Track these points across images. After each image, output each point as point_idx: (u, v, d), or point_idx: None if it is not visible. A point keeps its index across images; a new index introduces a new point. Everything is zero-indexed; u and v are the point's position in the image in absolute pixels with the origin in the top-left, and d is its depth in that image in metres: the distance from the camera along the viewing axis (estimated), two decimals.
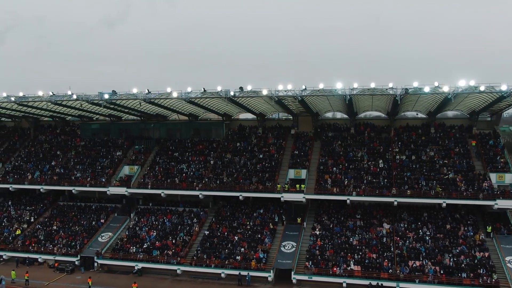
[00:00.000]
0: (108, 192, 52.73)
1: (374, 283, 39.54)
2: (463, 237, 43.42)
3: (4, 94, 50.85)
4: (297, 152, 53.17)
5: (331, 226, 47.36)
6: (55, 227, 52.85)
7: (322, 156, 52.14)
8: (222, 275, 43.19)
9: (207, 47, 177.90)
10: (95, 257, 47.03)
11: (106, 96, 46.58)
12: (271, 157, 53.31)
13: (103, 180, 54.06)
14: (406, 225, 46.06)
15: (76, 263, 47.20)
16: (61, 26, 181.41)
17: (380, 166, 49.29)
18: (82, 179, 54.70)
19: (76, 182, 54.47)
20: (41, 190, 55.20)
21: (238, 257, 44.20)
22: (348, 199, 46.04)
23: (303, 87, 41.66)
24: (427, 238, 43.86)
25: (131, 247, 47.48)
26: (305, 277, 41.46)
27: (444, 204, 43.95)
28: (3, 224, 54.55)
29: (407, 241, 43.78)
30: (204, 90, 44.24)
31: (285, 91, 42.32)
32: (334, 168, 49.91)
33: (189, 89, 44.48)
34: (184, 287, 42.70)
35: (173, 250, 46.23)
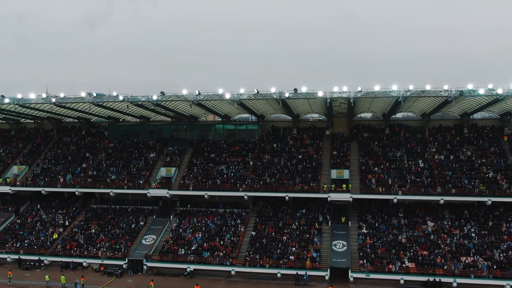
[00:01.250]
0: (148, 194, 52.25)
1: (431, 279, 40.75)
2: (507, 233, 45.20)
3: (44, 95, 49.94)
4: (335, 153, 54.04)
5: (376, 224, 48.41)
6: (93, 230, 51.98)
7: (362, 156, 53.19)
8: (278, 275, 43.57)
9: (191, 45, 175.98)
10: (144, 260, 46.57)
11: (155, 98, 46.26)
12: (310, 158, 54.01)
13: (141, 182, 53.51)
14: (449, 223, 47.57)
15: (124, 266, 46.61)
16: (41, 24, 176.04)
17: (421, 165, 50.70)
18: (118, 181, 53.98)
19: (112, 185, 53.71)
20: (76, 193, 54.13)
21: (292, 257, 44.68)
22: (395, 198, 47.24)
23: (359, 88, 42.55)
24: (473, 235, 45.45)
25: (179, 249, 47.25)
26: (362, 275, 42.32)
27: (489, 202, 45.64)
28: (37, 228, 53.25)
29: (454, 238, 45.25)
30: (257, 92, 44.53)
31: (340, 92, 43.06)
32: (376, 168, 51.01)
33: (241, 91, 44.69)
34: (243, 287, 42.86)
35: (223, 251, 46.29)
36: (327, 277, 42.82)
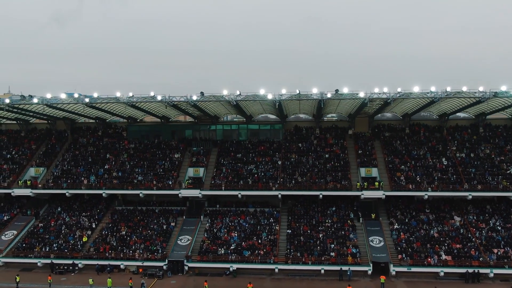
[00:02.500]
0: (180, 195, 52.04)
1: (470, 270, 42.99)
2: None
3: (63, 96, 48.47)
4: (361, 152, 55.71)
5: (406, 220, 50.38)
6: (123, 232, 51.24)
7: (387, 155, 55.09)
8: (322, 271, 44.65)
9: (158, 45, 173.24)
10: (185, 261, 46.45)
11: (195, 98, 46.27)
12: (337, 157, 55.41)
13: (170, 182, 53.23)
14: (475, 218, 50.17)
15: (164, 267, 46.30)
16: (5, 23, 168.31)
17: (444, 163, 53.13)
18: (146, 182, 53.44)
19: (140, 186, 53.12)
20: (103, 195, 53.14)
21: (332, 253, 45.87)
22: (426, 194, 49.31)
23: (399, 89, 44.24)
24: (499, 228, 48.20)
25: (219, 249, 47.44)
26: (403, 269, 44.07)
27: None
28: (63, 231, 51.91)
29: (483, 232, 47.83)
30: (299, 92, 45.41)
31: (379, 93, 44.61)
32: (403, 166, 53.02)
33: (283, 91, 45.45)
34: (287, 285, 43.59)
35: (264, 250, 46.88)
36: (369, 272, 44.31)
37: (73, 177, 55.26)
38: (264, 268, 45.76)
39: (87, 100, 47.54)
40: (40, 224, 53.43)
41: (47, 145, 61.79)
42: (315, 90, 45.05)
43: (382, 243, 46.96)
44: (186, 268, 46.42)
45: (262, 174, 53.78)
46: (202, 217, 53.24)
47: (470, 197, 48.95)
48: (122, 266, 47.06)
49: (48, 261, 47.52)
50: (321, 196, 50.70)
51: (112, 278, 42.95)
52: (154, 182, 53.37)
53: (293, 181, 52.07)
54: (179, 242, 49.22)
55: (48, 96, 47.69)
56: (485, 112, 55.16)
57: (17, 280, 43.08)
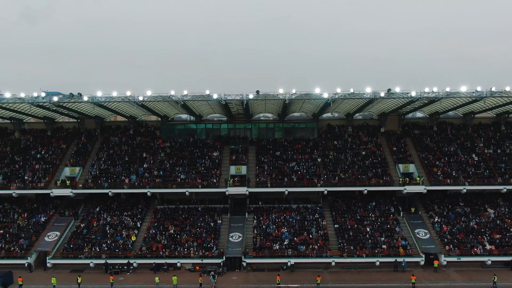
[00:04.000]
0: (226, 193, 52.48)
1: None
2: None
3: (115, 93, 48.14)
4: (395, 149, 58.07)
5: (444, 213, 53.09)
6: (171, 230, 51.20)
7: (420, 151, 57.69)
8: (377, 263, 46.49)
9: (129, 44, 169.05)
10: (243, 257, 47.08)
11: (251, 96, 46.94)
12: (374, 154, 57.51)
13: (215, 180, 53.64)
14: (507, 210, 53.53)
15: (221, 264, 46.75)
16: None
17: (475, 159, 56.28)
18: (190, 180, 53.58)
19: (185, 184, 53.22)
20: (148, 194, 52.88)
21: (384, 246, 47.81)
22: (464, 188, 52.15)
23: (447, 89, 46.64)
24: None
25: (273, 245, 48.38)
26: (454, 259, 46.57)
27: None
28: (108, 231, 51.27)
29: None
30: (353, 92, 47.03)
31: (429, 92, 46.90)
32: (437, 162, 55.75)
33: (338, 90, 46.86)
34: (345, 277, 45.03)
35: (318, 245, 48.22)
36: (422, 263, 46.58)
37: (113, 177, 54.55)
38: (320, 262, 47.06)
39: (140, 98, 47.16)
40: (81, 225, 52.45)
41: (78, 144, 60.52)
42: (368, 90, 46.74)
43: (428, 235, 49.35)
44: (244, 264, 47.01)
45: (305, 171, 55.06)
46: (246, 214, 53.94)
47: (505, 190, 52.16)
48: (178, 264, 47.12)
49: (101, 261, 46.92)
50: (365, 191, 52.57)
51: (177, 276, 43.08)
52: (199, 180, 53.56)
53: (336, 178, 53.65)
54: (230, 239, 49.73)
55: (99, 94, 47.12)
56: (509, 111, 58.73)
57: (79, 281, 42.40)
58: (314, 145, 59.41)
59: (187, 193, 52.89)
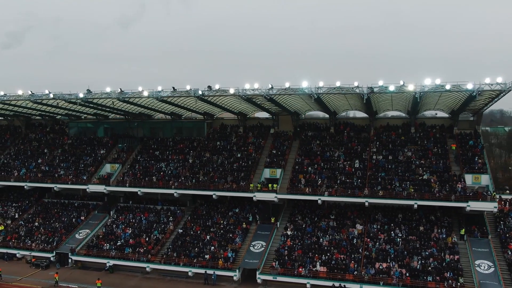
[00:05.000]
0: (88, 190, 53.49)
1: (337, 284, 39.00)
2: (435, 240, 42.39)
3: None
4: (274, 152, 52.88)
5: (303, 226, 46.90)
6: (37, 223, 53.98)
7: (299, 155, 51.72)
8: (190, 273, 43.30)
9: (221, 46, 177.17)
10: (70, 254, 47.78)
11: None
12: (248, 156, 53.17)
13: (84, 178, 54.93)
14: (379, 226, 45.26)
15: (52, 259, 48.02)
16: (77, 26, 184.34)
17: (356, 166, 48.58)
18: (64, 176, 55.68)
19: (58, 180, 55.50)
20: (25, 187, 56.40)
21: (207, 256, 44.23)
22: (319, 199, 45.57)
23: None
24: (398, 240, 42.99)
25: (105, 244, 48.07)
26: (270, 277, 41.21)
27: (416, 206, 43.09)
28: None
29: (377, 243, 43.01)
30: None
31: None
32: (310, 168, 49.42)
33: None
34: (151, 284, 42.99)
35: (145, 248, 46.58)
36: (235, 278, 42.08)
37: (8, 170, 59.23)
38: (140, 266, 45.40)
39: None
40: None
41: (2, 140, 66.79)
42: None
43: (262, 249, 44.35)
44: (70, 261, 47.75)
45: (170, 172, 53.32)
46: (112, 212, 54.26)
47: (367, 203, 44.26)
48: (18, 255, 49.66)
49: None
50: (215, 196, 49.03)
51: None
52: (70, 177, 55.35)
53: (194, 180, 50.94)
54: (76, 235, 50.79)
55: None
56: (409, 110, 49.44)
57: None
58: (196, 146, 57.03)
59: (55, 188, 55.27)
